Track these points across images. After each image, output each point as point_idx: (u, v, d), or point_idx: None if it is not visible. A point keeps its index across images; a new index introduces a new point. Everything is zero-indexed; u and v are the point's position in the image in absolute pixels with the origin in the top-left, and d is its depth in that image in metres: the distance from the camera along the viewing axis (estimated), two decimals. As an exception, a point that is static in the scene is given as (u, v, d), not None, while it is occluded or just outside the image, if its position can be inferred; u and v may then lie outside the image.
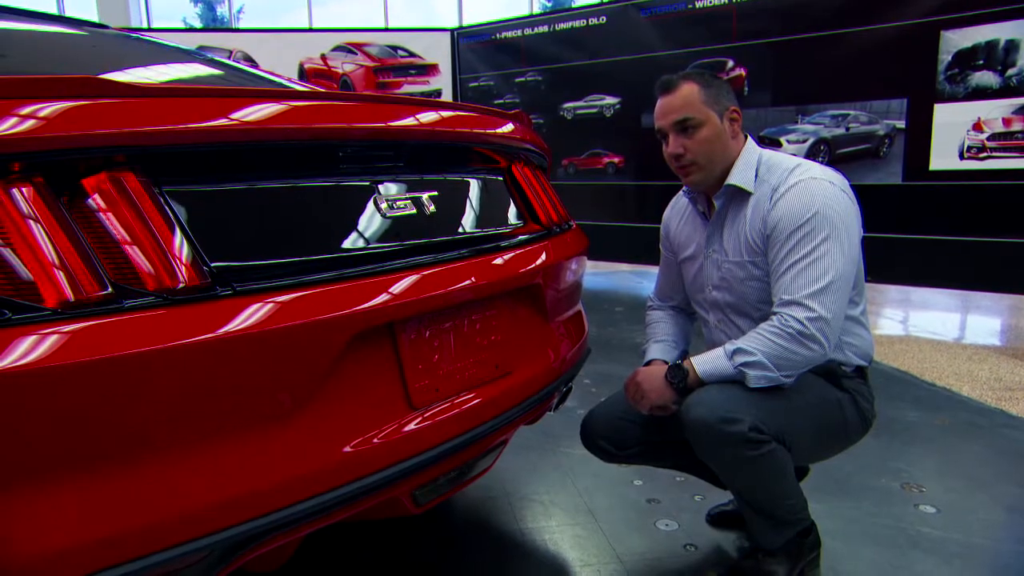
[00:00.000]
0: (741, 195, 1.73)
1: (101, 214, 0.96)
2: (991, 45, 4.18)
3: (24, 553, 0.87)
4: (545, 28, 6.46)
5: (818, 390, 1.70)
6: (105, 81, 1.00)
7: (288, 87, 1.87)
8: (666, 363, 1.80)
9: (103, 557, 0.92)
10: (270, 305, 1.07)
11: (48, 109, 0.93)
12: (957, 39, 4.28)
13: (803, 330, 1.56)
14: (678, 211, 1.96)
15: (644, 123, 5.88)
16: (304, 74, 7.24)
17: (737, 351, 1.60)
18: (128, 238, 0.96)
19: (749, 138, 1.78)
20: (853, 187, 1.72)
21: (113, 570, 0.92)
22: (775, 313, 1.61)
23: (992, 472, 2.45)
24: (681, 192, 1.91)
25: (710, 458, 1.67)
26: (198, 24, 21.77)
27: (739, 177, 1.72)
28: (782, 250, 1.63)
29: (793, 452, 1.64)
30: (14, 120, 0.90)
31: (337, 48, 7.25)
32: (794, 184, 1.65)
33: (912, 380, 3.56)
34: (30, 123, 0.91)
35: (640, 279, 6.67)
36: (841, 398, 1.72)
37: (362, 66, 7.21)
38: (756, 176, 1.72)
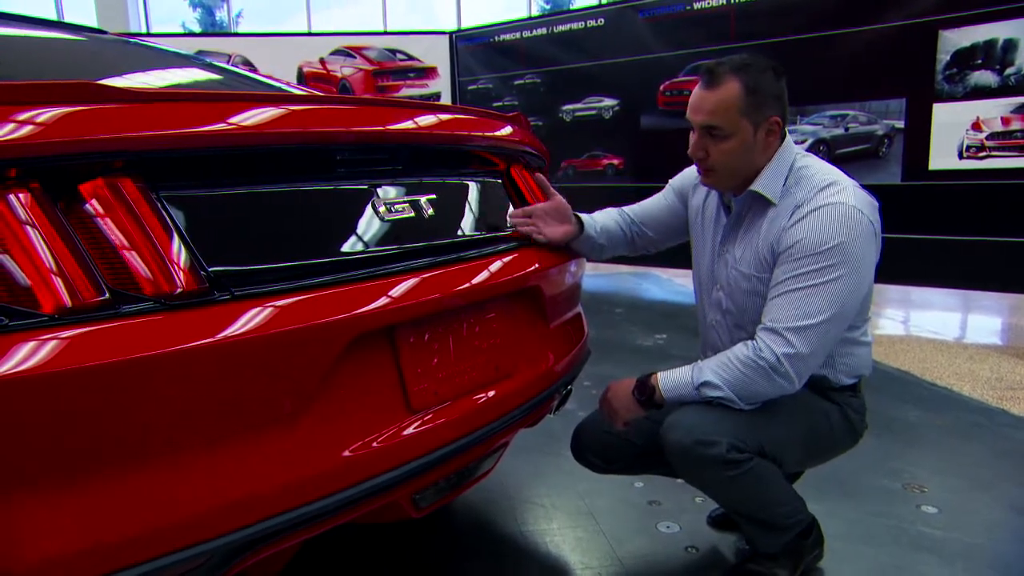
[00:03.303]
0: (763, 202, 1.63)
1: (98, 220, 0.96)
2: (989, 44, 4.17)
3: (27, 559, 0.87)
4: (543, 30, 6.46)
5: (802, 401, 1.65)
6: (101, 86, 1.00)
7: (286, 91, 1.87)
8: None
9: (104, 562, 0.92)
10: (269, 310, 1.07)
11: (45, 115, 0.93)
12: (955, 38, 4.28)
13: (776, 365, 1.51)
14: (705, 188, 1.81)
15: (643, 124, 5.88)
16: (303, 78, 7.24)
17: (704, 384, 1.57)
18: (125, 243, 0.96)
19: (787, 140, 1.65)
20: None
21: (114, 575, 0.92)
22: (755, 336, 1.56)
23: (993, 472, 2.45)
24: None
25: (692, 480, 1.67)
26: (197, 29, 21.80)
27: (764, 185, 1.61)
28: (789, 270, 1.54)
29: (779, 462, 1.62)
30: (11, 126, 0.90)
31: (336, 52, 7.26)
32: (821, 206, 1.53)
33: (913, 380, 3.55)
34: (26, 129, 0.91)
35: (640, 281, 6.66)
36: (828, 409, 1.70)
37: (361, 69, 7.21)
38: (784, 183, 1.61)
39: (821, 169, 1.63)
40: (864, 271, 1.55)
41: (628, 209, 1.99)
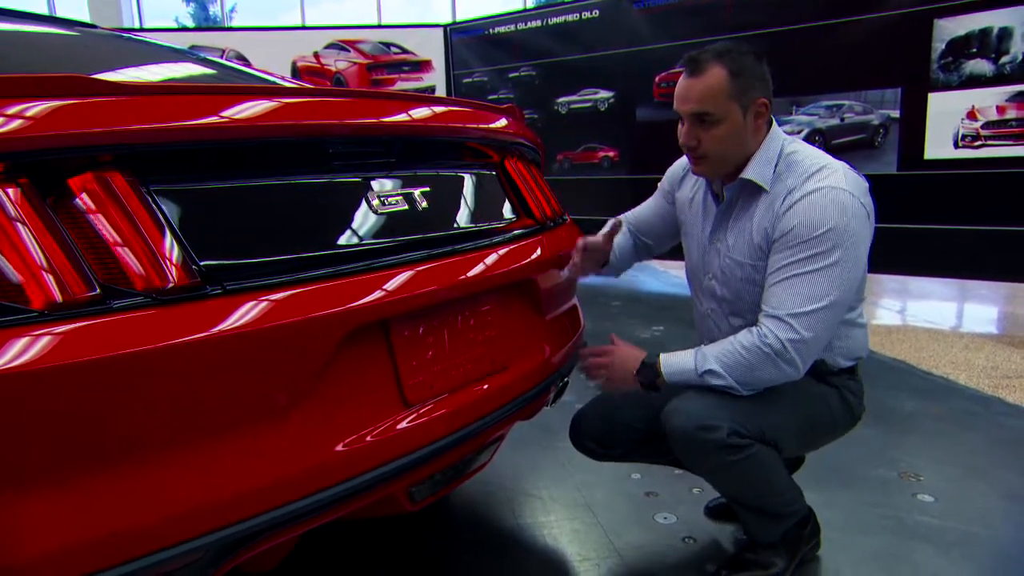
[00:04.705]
0: (754, 189, 1.63)
1: (88, 214, 0.95)
2: (984, 33, 4.17)
3: (23, 555, 0.87)
4: (538, 23, 6.44)
5: (801, 385, 1.64)
6: (90, 80, 1.00)
7: (277, 84, 1.86)
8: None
9: (99, 558, 0.92)
10: (262, 303, 1.06)
11: (33, 109, 0.93)
12: (950, 27, 4.27)
13: (781, 351, 1.51)
14: (691, 178, 1.83)
15: (638, 117, 5.87)
16: (297, 72, 7.22)
17: (708, 372, 1.56)
18: (116, 238, 0.95)
19: (774, 127, 1.65)
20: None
21: (110, 571, 0.92)
22: (758, 323, 1.56)
23: (989, 460, 2.46)
24: None
25: (693, 466, 1.67)
26: (190, 23, 21.69)
27: (755, 172, 1.61)
28: (787, 257, 1.54)
29: (779, 447, 1.62)
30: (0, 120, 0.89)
31: (330, 46, 7.23)
32: (814, 191, 1.53)
33: (909, 369, 3.56)
34: (15, 123, 0.90)
35: (637, 273, 6.65)
36: (826, 392, 1.70)
37: (355, 63, 7.19)
38: (774, 170, 1.61)
39: (811, 154, 1.63)
40: (860, 253, 1.56)
41: (625, 220, 2.01)
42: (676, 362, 1.62)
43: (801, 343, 1.52)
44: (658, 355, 1.65)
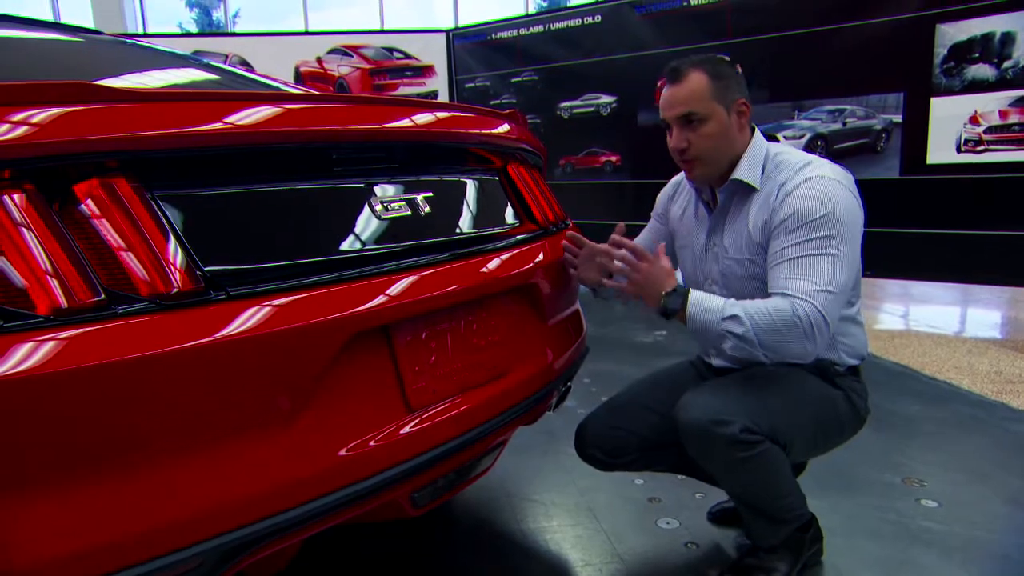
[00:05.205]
0: (746, 190, 1.69)
1: (93, 220, 0.96)
2: (987, 38, 4.17)
3: (20, 561, 0.87)
4: (540, 28, 6.45)
5: (811, 387, 1.69)
6: (96, 86, 1.00)
7: (281, 90, 1.86)
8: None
9: (99, 564, 0.92)
10: (265, 309, 1.06)
11: (39, 115, 0.93)
12: (953, 32, 4.27)
13: (809, 328, 1.51)
14: (682, 194, 1.92)
15: (640, 121, 5.88)
16: (300, 77, 7.23)
17: (731, 317, 1.53)
18: (121, 244, 0.96)
19: (757, 131, 1.73)
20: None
21: (108, 577, 0.92)
22: (789, 296, 1.53)
23: (993, 465, 2.45)
24: (684, 175, 1.84)
25: (703, 460, 1.67)
26: (194, 29, 21.76)
27: (745, 172, 1.67)
28: (789, 239, 1.57)
29: (787, 449, 1.63)
30: (5, 127, 0.90)
31: (333, 51, 7.25)
32: (806, 180, 1.59)
33: (912, 374, 3.55)
34: (21, 130, 0.91)
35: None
36: (835, 395, 1.72)
37: (358, 68, 7.20)
38: (763, 172, 1.68)
39: (796, 153, 1.71)
40: (856, 241, 1.61)
41: None
42: (705, 298, 1.57)
43: (824, 324, 1.52)
44: (688, 288, 1.61)
